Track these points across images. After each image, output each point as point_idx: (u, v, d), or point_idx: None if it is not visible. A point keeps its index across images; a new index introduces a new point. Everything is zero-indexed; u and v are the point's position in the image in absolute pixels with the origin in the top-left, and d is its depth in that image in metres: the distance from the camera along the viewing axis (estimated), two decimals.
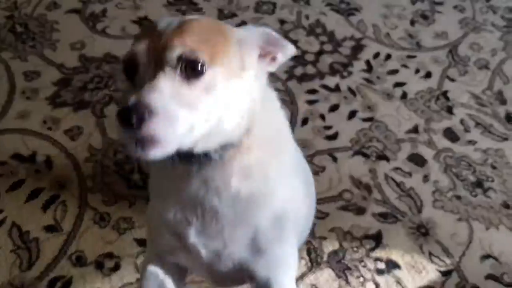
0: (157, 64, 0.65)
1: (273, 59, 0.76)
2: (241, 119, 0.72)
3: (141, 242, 1.34)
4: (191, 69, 0.65)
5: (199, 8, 2.08)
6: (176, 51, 0.64)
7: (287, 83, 1.82)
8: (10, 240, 1.35)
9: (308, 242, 1.40)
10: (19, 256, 1.33)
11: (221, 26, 0.73)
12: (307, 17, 2.11)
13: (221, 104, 0.68)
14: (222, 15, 2.06)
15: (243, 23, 2.02)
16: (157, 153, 0.62)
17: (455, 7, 2.25)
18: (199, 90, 0.65)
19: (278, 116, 0.84)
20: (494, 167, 1.64)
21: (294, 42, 1.94)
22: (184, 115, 0.63)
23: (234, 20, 2.04)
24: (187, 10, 2.06)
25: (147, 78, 0.65)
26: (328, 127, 1.69)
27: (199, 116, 0.65)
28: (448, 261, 1.41)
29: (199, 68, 0.65)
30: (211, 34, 0.70)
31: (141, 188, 1.46)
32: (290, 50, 0.77)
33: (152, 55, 0.66)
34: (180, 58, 0.64)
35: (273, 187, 0.81)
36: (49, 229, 1.39)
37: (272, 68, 0.77)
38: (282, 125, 0.86)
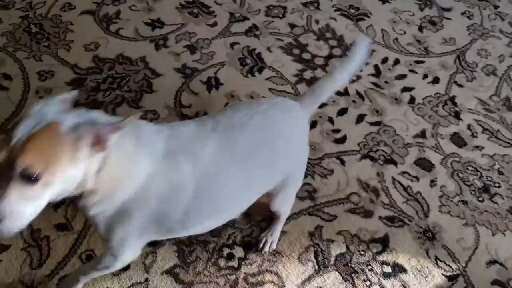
0: (9, 171, 0.80)
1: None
2: (79, 187, 0.89)
3: (149, 243, 1.36)
4: (30, 178, 0.80)
5: (211, 12, 2.11)
6: (18, 169, 0.79)
7: (296, 86, 1.84)
8: (21, 238, 1.37)
9: (315, 245, 1.42)
10: (29, 254, 1.36)
11: (56, 139, 0.84)
12: (317, 21, 2.13)
13: (61, 189, 0.86)
14: (233, 18, 2.08)
15: (254, 27, 2.05)
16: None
17: (463, 13, 2.27)
18: (39, 189, 0.82)
19: (130, 165, 0.95)
20: (501, 173, 1.66)
21: (304, 46, 1.97)
22: (30, 208, 0.84)
23: (245, 23, 2.06)
24: (199, 13, 2.08)
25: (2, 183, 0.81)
26: (337, 131, 1.71)
27: (43, 203, 0.85)
28: (454, 266, 1.43)
29: (35, 177, 0.80)
30: (47, 148, 0.83)
31: None
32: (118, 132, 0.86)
33: (5, 165, 0.81)
34: (22, 172, 0.80)
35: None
36: (60, 227, 1.41)
37: (106, 149, 0.87)
38: (132, 170, 0.96)
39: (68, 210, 1.44)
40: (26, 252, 1.36)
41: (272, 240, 1.41)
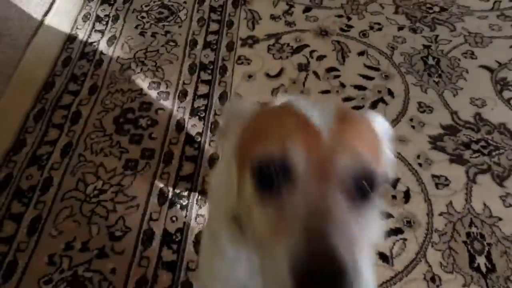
0: (321, 179, 0.51)
1: None
2: None
3: None
4: (362, 191, 0.52)
5: None
6: (353, 167, 0.52)
7: None
8: None
9: None
10: None
11: (376, 135, 0.62)
12: None
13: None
14: None
15: None
16: None
17: None
18: (365, 216, 0.52)
19: None
20: None
21: None
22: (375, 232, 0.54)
23: None
24: None
25: (313, 201, 0.50)
26: None
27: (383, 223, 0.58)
28: None
29: (373, 189, 0.52)
30: (373, 140, 0.61)
31: None
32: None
33: (313, 165, 0.53)
34: (356, 177, 0.52)
35: None
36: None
37: None
38: None
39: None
40: None
41: None
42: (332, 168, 0.52)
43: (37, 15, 2.04)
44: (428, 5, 2.19)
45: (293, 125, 0.57)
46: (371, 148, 0.57)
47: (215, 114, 1.73)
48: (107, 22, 2.05)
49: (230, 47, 1.96)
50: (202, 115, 1.71)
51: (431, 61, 1.96)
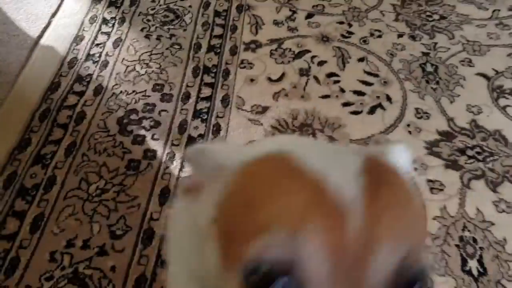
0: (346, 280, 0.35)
1: None
2: None
3: None
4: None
5: None
6: (398, 272, 0.36)
7: None
8: None
9: None
10: None
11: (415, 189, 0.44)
12: None
13: None
14: None
15: None
16: None
17: None
18: None
19: None
20: None
21: None
22: None
23: None
24: None
25: None
26: None
27: None
28: None
29: None
30: (420, 217, 0.44)
31: None
32: None
33: (339, 276, 0.35)
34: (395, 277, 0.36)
35: None
36: None
37: None
38: None
39: None
40: None
41: None
42: (368, 278, 0.35)
43: (44, 17, 2.09)
44: (428, 13, 2.23)
45: (305, 200, 0.37)
46: (418, 231, 0.42)
47: (217, 116, 1.76)
48: (113, 25, 2.10)
49: (234, 51, 2.00)
50: (204, 117, 1.75)
51: (429, 68, 2.00)
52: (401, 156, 0.52)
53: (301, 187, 0.38)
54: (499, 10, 2.29)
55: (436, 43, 2.12)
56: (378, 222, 0.37)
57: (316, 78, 1.93)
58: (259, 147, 0.50)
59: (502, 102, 1.90)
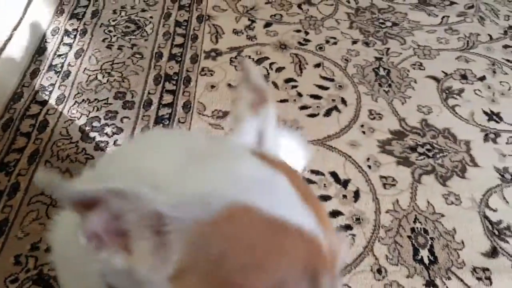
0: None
1: None
2: None
3: None
4: None
5: None
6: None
7: None
8: None
9: None
10: None
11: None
12: None
13: None
14: None
15: None
16: None
17: None
18: None
19: None
20: None
21: None
22: None
23: None
24: None
25: None
26: None
27: None
28: None
29: None
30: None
31: None
32: None
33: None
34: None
35: None
36: None
37: None
38: None
39: None
40: None
41: None
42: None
43: (7, 29, 2.11)
44: (381, 21, 2.34)
45: (308, 252, 0.44)
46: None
47: (179, 121, 1.81)
48: (75, 36, 2.14)
49: (194, 59, 2.06)
50: (166, 123, 1.79)
51: (382, 72, 2.10)
52: (250, 129, 0.60)
53: (294, 243, 0.44)
54: (448, 16, 2.42)
55: (388, 49, 2.22)
56: (329, 231, 0.45)
57: (274, 83, 2.00)
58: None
59: (451, 102, 2.01)
